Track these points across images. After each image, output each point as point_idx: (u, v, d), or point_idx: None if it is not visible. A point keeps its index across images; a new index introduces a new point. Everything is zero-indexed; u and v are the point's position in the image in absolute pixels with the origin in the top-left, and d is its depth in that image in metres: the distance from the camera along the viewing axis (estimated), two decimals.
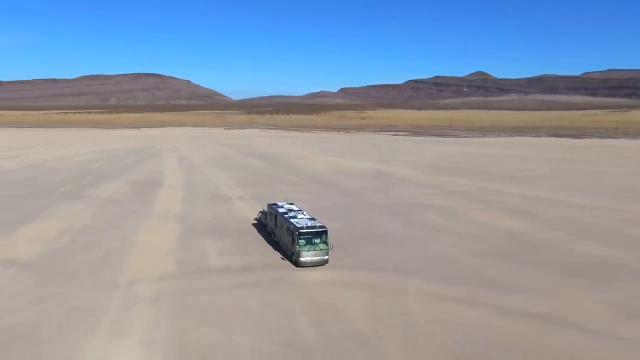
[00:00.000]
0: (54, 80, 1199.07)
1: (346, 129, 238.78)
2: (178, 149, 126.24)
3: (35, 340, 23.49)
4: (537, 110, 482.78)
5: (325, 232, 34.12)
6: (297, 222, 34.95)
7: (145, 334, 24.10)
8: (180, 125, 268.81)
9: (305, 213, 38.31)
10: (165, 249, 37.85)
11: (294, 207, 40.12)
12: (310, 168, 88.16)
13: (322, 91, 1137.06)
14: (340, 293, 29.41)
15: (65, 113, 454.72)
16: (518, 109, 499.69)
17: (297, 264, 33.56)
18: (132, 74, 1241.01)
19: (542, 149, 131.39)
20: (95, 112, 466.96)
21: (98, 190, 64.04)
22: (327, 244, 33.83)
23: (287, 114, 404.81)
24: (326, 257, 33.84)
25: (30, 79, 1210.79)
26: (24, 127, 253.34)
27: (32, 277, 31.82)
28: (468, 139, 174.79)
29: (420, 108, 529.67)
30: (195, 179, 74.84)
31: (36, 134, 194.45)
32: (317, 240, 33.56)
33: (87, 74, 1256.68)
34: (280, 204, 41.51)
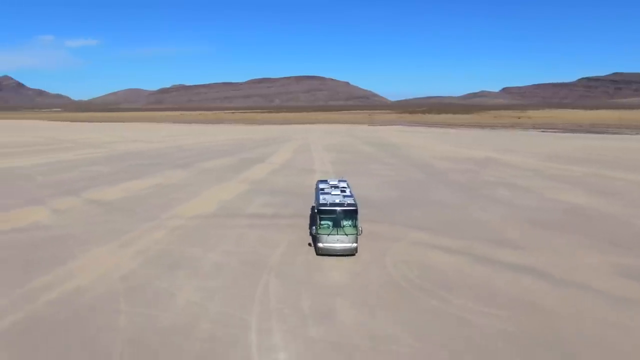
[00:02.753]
0: (227, 84, 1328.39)
1: (494, 126, 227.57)
2: (306, 139, 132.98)
3: (66, 242, 29.74)
4: None
5: (355, 211, 27.07)
6: (323, 199, 28.47)
7: (143, 246, 28.65)
8: (330, 123, 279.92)
9: (349, 191, 30.76)
10: (219, 200, 42.05)
11: (342, 185, 33.01)
12: (417, 154, 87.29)
13: (482, 91, 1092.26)
14: None
15: (232, 113, 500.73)
16: None
17: (316, 251, 27.26)
18: (295, 77, 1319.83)
19: None
20: (259, 112, 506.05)
21: (207, 164, 71.55)
22: (355, 228, 26.65)
23: (439, 114, 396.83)
24: (354, 244, 26.55)
25: (208, 83, 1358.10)
26: (193, 123, 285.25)
27: (101, 210, 38.24)
28: (627, 136, 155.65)
29: (593, 108, 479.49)
30: (299, 158, 79.19)
31: (196, 128, 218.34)
32: (344, 223, 26.67)
33: (255, 77, 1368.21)
34: (330, 181, 34.42)
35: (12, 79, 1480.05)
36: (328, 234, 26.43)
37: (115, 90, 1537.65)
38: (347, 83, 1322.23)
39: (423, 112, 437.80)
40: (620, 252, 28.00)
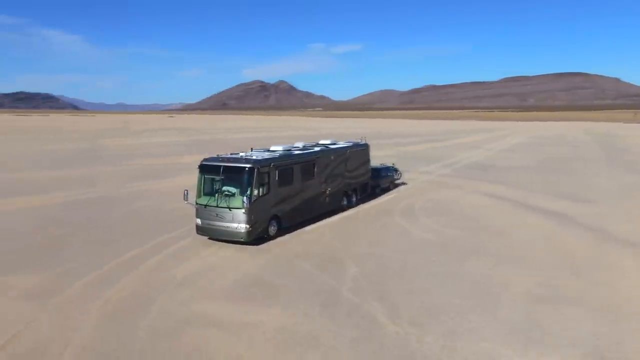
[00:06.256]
0: (477, 83, 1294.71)
1: None
2: (548, 132, 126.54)
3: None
4: None
5: (246, 172, 18.49)
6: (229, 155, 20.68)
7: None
8: (573, 120, 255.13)
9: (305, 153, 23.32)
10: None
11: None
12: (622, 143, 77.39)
13: None
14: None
15: (475, 111, 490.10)
16: None
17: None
18: (554, 74, 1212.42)
19: None
20: (510, 111, 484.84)
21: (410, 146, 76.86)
22: (249, 199, 18.18)
23: None
24: (243, 225, 18.21)
25: (457, 82, 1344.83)
26: (431, 119, 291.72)
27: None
28: None
29: None
30: (501, 143, 78.28)
31: (429, 123, 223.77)
32: (228, 190, 18.74)
33: (507, 76, 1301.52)
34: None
35: (286, 82, 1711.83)
36: (205, 205, 18.87)
37: (371, 91, 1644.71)
38: (617, 80, 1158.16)
39: None
40: None
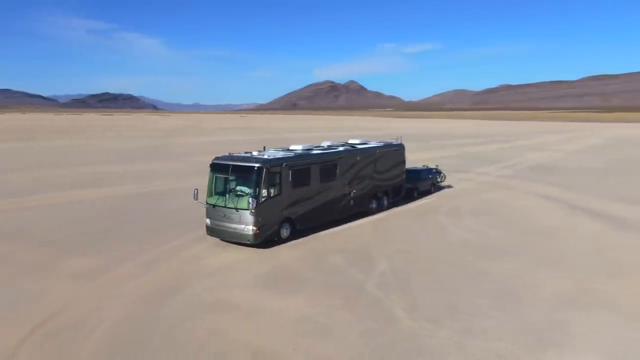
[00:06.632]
0: (556, 83, 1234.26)
1: None
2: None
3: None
4: None
5: (255, 172, 17.83)
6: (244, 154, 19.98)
7: None
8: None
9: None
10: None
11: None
12: None
13: None
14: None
15: (556, 112, 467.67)
16: None
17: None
18: None
19: None
20: (592, 112, 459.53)
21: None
22: (255, 200, 17.47)
23: None
24: (250, 227, 17.59)
25: (535, 82, 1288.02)
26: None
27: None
28: None
29: None
30: (574, 144, 74.79)
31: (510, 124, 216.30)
32: (237, 189, 18.40)
33: (589, 74, 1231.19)
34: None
35: (356, 83, 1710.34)
36: (214, 205, 18.59)
37: (442, 92, 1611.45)
38: None
39: None
40: None
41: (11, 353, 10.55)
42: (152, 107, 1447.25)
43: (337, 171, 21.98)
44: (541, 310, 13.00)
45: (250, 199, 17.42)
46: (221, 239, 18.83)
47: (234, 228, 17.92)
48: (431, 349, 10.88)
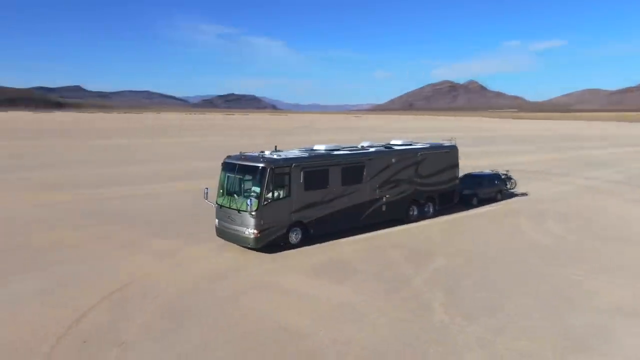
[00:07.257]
0: None
1: None
2: None
3: None
4: None
5: (260, 172, 17.18)
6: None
7: None
8: None
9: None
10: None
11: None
12: None
13: None
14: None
15: None
16: None
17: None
18: None
19: None
20: None
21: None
22: (257, 201, 16.83)
23: None
24: (251, 231, 16.87)
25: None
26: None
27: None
28: None
29: None
30: None
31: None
32: (242, 190, 17.75)
33: None
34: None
35: (476, 82, 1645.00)
36: (220, 206, 18.22)
37: (571, 91, 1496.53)
38: None
39: None
40: None
41: (83, 313, 12.51)
42: (273, 107, 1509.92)
43: (364, 174, 20.30)
44: (588, 316, 12.47)
45: (249, 199, 16.63)
46: (227, 241, 18.17)
47: (236, 230, 17.26)
48: (454, 342, 11.04)
